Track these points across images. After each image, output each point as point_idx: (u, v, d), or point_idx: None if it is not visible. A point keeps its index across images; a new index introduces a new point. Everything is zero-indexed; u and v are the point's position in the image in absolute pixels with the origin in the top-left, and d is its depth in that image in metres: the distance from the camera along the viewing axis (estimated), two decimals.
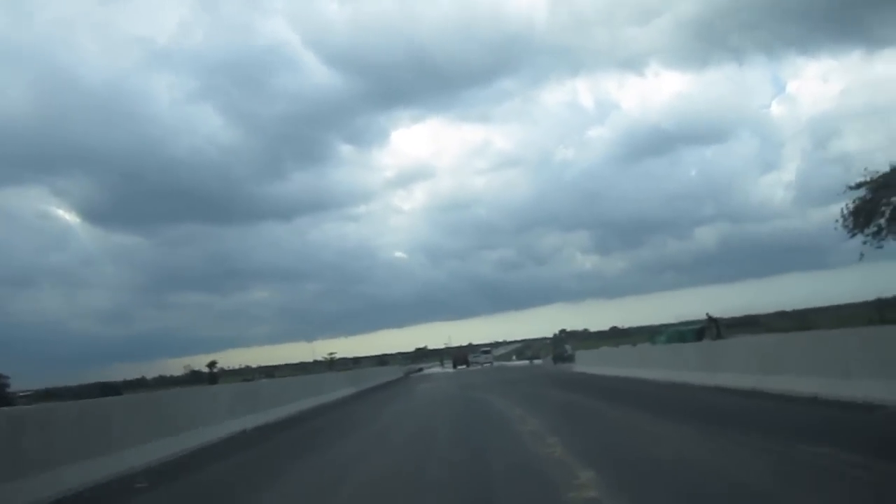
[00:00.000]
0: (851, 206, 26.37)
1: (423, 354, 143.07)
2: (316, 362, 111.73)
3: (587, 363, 32.81)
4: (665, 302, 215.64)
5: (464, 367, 68.39)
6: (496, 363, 73.68)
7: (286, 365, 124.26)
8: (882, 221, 25.59)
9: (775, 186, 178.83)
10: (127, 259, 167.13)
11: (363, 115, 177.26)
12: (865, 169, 26.18)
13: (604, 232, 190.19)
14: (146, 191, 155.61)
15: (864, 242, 26.15)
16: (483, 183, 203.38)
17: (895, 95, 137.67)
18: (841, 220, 26.69)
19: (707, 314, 36.86)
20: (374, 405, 22.24)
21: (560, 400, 17.47)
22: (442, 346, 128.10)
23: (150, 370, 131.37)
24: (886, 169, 25.76)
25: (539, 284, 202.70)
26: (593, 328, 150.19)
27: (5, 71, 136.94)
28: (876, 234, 25.89)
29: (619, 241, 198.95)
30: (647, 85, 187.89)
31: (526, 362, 67.32)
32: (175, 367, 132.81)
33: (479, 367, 68.24)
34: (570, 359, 53.40)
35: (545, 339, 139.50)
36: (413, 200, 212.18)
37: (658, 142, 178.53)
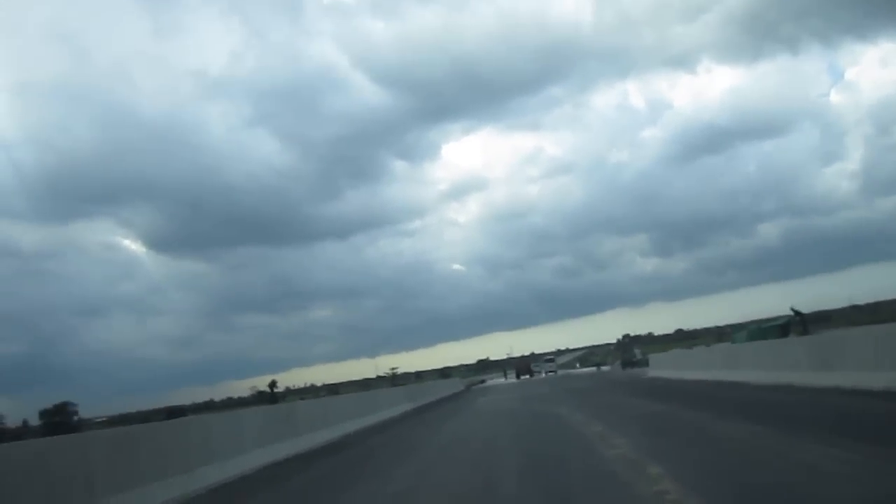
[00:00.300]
0: None
1: (485, 366, 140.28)
2: (379, 378, 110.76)
3: (663, 367, 29.48)
4: (730, 302, 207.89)
5: (527, 376, 65.27)
6: (560, 371, 70.40)
7: (350, 382, 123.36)
8: None
9: (839, 177, 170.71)
10: (191, 285, 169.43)
11: (414, 130, 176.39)
12: None
13: (662, 234, 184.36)
14: (207, 217, 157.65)
15: None
16: (537, 191, 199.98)
17: None
18: None
19: (792, 308, 33.09)
20: (429, 425, 19.55)
21: (645, 412, 14.45)
22: (504, 357, 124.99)
23: (218, 392, 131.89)
24: None
25: (599, 290, 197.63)
26: (658, 331, 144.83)
27: (69, 110, 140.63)
28: None
29: (678, 242, 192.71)
30: (699, 82, 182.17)
31: (592, 369, 63.84)
32: (242, 388, 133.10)
33: (543, 375, 65.14)
34: (640, 363, 49.83)
35: (609, 344, 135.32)
36: (467, 212, 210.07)
37: (714, 139, 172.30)
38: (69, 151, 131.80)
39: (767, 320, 39.28)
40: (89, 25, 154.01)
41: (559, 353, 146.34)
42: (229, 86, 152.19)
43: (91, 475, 8.00)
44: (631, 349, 55.92)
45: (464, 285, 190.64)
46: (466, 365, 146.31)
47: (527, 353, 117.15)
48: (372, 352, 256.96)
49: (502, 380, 69.64)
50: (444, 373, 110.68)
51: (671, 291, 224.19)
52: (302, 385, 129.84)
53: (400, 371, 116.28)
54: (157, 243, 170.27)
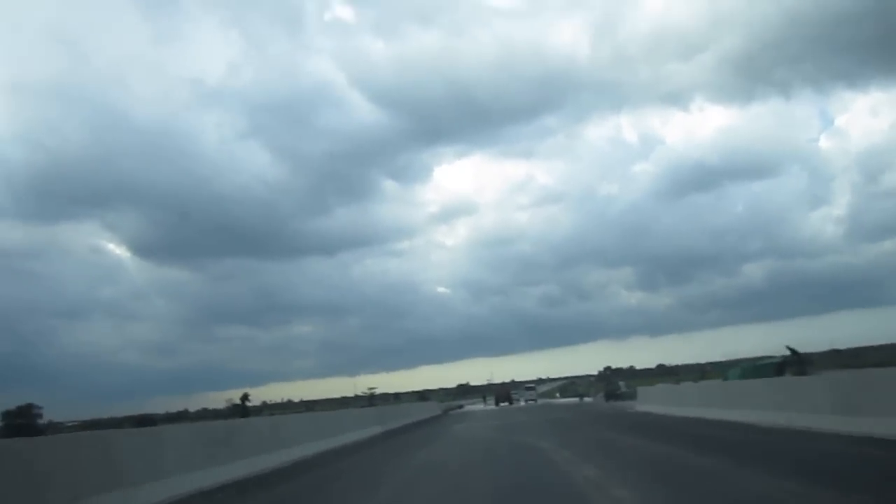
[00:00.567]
0: None
1: (465, 390, 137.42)
2: (357, 397, 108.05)
3: (652, 401, 27.16)
4: (712, 339, 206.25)
5: (506, 403, 62.70)
6: (540, 400, 67.88)
7: (328, 399, 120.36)
8: None
9: (825, 221, 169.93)
10: (173, 292, 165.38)
11: (407, 151, 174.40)
12: None
13: (648, 268, 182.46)
14: (194, 226, 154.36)
15: None
16: (526, 218, 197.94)
17: None
18: None
19: (788, 347, 31.02)
20: (396, 453, 17.09)
21: (644, 453, 12.13)
22: (484, 383, 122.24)
23: (194, 403, 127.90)
24: None
25: (582, 321, 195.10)
26: (639, 365, 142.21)
27: (61, 110, 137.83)
28: None
29: (664, 277, 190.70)
30: (691, 120, 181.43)
31: (573, 399, 61.32)
32: (218, 400, 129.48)
33: (522, 403, 62.66)
34: (625, 396, 47.49)
35: (589, 376, 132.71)
36: (456, 236, 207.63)
37: (703, 177, 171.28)
38: (59, 152, 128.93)
39: (759, 358, 37.17)
40: (87, 28, 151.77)
41: (539, 381, 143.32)
42: (225, 96, 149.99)
43: None
44: (615, 381, 53.55)
45: (448, 309, 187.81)
46: (446, 389, 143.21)
47: (507, 380, 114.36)
48: (352, 370, 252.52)
49: (481, 406, 66.95)
50: (423, 395, 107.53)
51: (654, 326, 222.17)
52: (279, 400, 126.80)
53: (378, 391, 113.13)
54: (142, 249, 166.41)
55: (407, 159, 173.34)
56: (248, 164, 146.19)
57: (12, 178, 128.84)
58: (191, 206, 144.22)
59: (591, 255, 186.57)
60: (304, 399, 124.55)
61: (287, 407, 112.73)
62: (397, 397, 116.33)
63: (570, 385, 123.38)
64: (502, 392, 68.97)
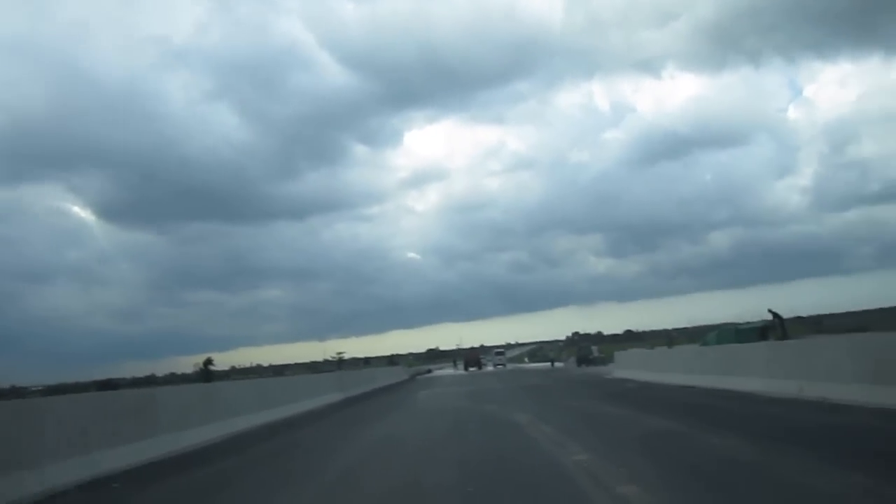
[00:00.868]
0: None
1: (435, 355, 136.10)
2: (326, 361, 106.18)
3: (630, 367, 25.23)
4: (679, 306, 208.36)
5: (475, 368, 60.88)
6: (510, 365, 66.33)
7: (297, 364, 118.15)
8: None
9: (791, 191, 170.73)
10: (140, 257, 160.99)
11: (377, 115, 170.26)
12: None
13: (617, 235, 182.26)
14: (160, 189, 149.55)
15: None
16: (497, 184, 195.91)
17: None
18: None
19: (770, 310, 29.18)
20: (345, 427, 14.81)
21: (644, 431, 9.96)
22: (454, 347, 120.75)
23: (163, 368, 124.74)
24: None
25: (552, 287, 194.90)
26: (607, 331, 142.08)
27: (23, 68, 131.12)
28: None
29: (632, 244, 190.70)
30: (663, 88, 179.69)
31: (543, 364, 59.71)
32: (186, 364, 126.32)
33: (492, 368, 61.01)
34: (597, 361, 45.88)
35: (558, 341, 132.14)
36: (426, 201, 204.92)
37: (673, 145, 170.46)
38: (21, 111, 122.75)
39: (737, 324, 35.53)
40: None
41: (508, 346, 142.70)
42: (192, 56, 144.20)
43: None
44: (588, 346, 51.81)
45: (418, 274, 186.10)
46: (416, 353, 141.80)
47: (476, 345, 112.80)
48: (322, 335, 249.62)
49: (451, 370, 65.11)
50: (393, 360, 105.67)
51: (622, 292, 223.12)
52: (248, 365, 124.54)
53: (348, 356, 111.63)
54: (107, 212, 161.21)
55: (377, 123, 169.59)
56: (216, 126, 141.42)
57: None
58: (157, 169, 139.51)
59: (560, 222, 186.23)
60: (274, 364, 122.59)
61: (255, 371, 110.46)
62: (367, 362, 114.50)
63: (539, 350, 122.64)
64: (471, 357, 66.90)
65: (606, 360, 47.10)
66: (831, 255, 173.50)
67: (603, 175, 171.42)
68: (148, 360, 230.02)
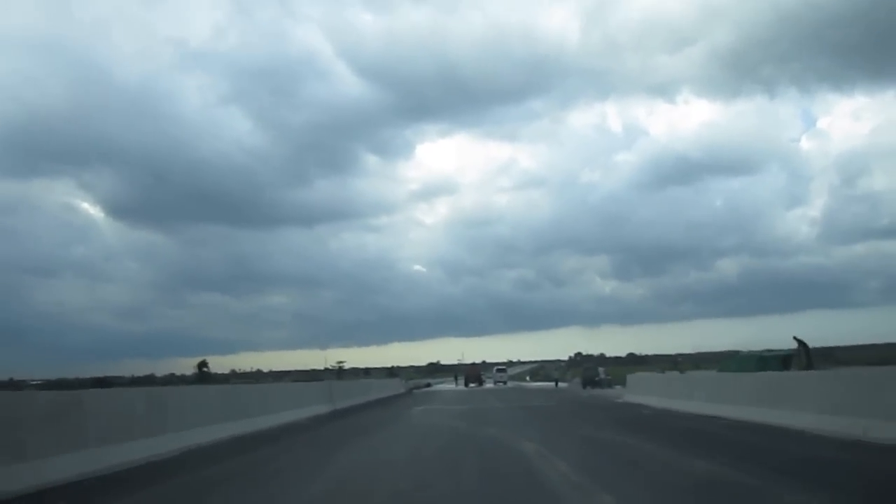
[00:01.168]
0: None
1: (435, 369, 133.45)
2: (326, 370, 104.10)
3: (645, 392, 22.78)
4: (683, 332, 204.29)
5: (476, 385, 58.20)
6: (510, 383, 63.73)
7: (297, 371, 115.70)
8: None
9: (800, 221, 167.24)
10: (147, 256, 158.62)
11: (391, 126, 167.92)
12: None
13: (624, 258, 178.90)
14: (171, 190, 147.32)
15: None
16: (506, 201, 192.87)
17: None
18: None
19: (795, 338, 26.70)
20: (319, 448, 12.47)
21: (691, 475, 7.60)
22: (455, 362, 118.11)
23: (163, 368, 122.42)
24: None
25: (556, 306, 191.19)
26: (609, 353, 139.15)
27: (42, 65, 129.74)
28: None
29: (639, 267, 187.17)
30: (676, 112, 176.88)
31: (545, 384, 57.07)
32: (187, 366, 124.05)
33: (492, 385, 58.44)
34: (603, 384, 43.32)
35: (559, 361, 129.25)
36: (435, 215, 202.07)
37: (685, 170, 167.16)
38: (36, 106, 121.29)
39: (758, 352, 33.01)
40: None
41: (510, 364, 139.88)
42: (209, 59, 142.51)
43: None
44: (595, 367, 49.12)
45: (423, 287, 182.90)
46: (416, 367, 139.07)
47: (478, 361, 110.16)
48: (324, 343, 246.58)
49: (452, 385, 62.35)
50: (393, 372, 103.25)
51: (626, 315, 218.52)
52: (249, 369, 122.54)
53: (349, 366, 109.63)
54: (117, 210, 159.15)
55: (390, 135, 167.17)
56: (229, 130, 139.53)
57: None
58: (168, 169, 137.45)
59: (568, 242, 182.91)
60: (274, 370, 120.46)
61: (255, 377, 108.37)
62: (367, 372, 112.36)
63: (541, 369, 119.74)
64: (472, 372, 63.96)
65: (613, 382, 44.61)
66: (838, 287, 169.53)
67: (613, 197, 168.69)
68: (149, 360, 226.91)
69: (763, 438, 11.25)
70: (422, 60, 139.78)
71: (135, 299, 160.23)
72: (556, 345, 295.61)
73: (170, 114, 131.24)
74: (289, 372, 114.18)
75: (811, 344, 28.14)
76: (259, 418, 15.30)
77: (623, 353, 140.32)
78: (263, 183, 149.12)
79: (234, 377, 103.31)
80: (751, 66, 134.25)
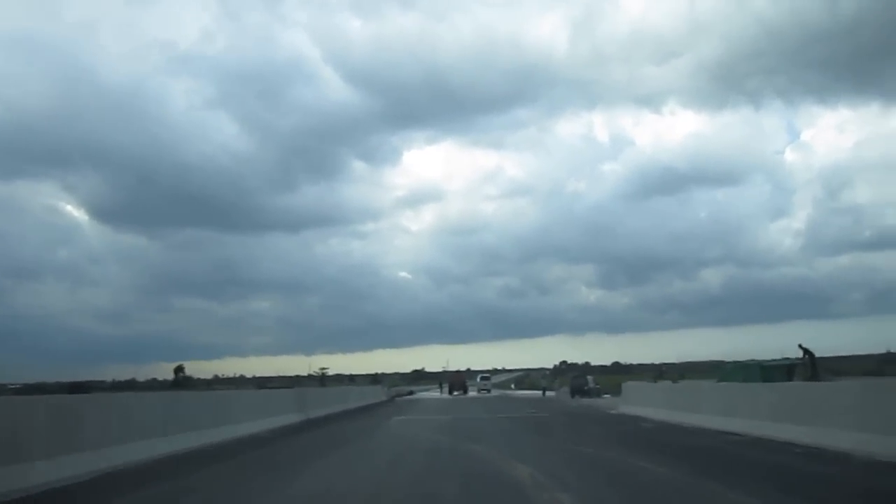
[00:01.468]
0: None
1: (420, 376, 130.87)
2: (310, 376, 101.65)
3: (642, 403, 20.77)
4: (667, 341, 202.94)
5: (461, 393, 55.92)
6: (495, 391, 61.56)
7: (281, 377, 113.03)
8: None
9: (784, 233, 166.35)
10: (131, 259, 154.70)
11: (378, 133, 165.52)
12: None
13: (610, 267, 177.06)
14: (156, 193, 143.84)
15: None
16: (492, 209, 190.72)
17: None
18: None
19: (801, 346, 24.90)
20: (270, 469, 10.32)
21: None
22: (440, 370, 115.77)
23: (146, 373, 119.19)
24: None
25: (541, 315, 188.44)
26: (595, 362, 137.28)
27: (28, 65, 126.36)
28: None
29: (624, 277, 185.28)
30: (662, 123, 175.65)
31: (531, 393, 54.97)
32: (169, 371, 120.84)
33: (475, 393, 56.25)
34: (592, 392, 41.33)
35: (545, 369, 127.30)
36: (421, 222, 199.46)
37: (670, 180, 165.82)
38: (20, 107, 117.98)
39: (756, 361, 31.23)
40: None
41: (495, 372, 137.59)
42: (196, 62, 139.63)
43: None
44: (584, 376, 47.04)
45: (408, 294, 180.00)
46: (401, 373, 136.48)
47: (463, 369, 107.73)
48: (308, 350, 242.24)
49: (437, 393, 59.95)
50: (377, 379, 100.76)
51: (611, 324, 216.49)
52: (232, 375, 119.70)
53: (333, 372, 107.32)
54: (101, 213, 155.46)
55: (377, 141, 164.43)
56: (216, 134, 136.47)
57: None
58: (153, 172, 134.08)
59: (554, 250, 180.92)
60: (258, 375, 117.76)
61: (238, 382, 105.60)
62: (351, 379, 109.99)
63: (526, 377, 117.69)
64: (456, 380, 61.18)
65: (601, 391, 42.62)
66: (821, 298, 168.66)
67: (598, 206, 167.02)
68: (132, 364, 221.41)
69: (806, 462, 9.25)
70: (410, 67, 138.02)
71: (118, 303, 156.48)
72: (542, 353, 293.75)
73: (156, 116, 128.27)
74: (272, 378, 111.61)
75: (792, 354, 26.42)
76: (211, 430, 13.15)
77: (608, 362, 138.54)
78: (250, 187, 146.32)
79: (217, 383, 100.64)
80: (737, 78, 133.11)
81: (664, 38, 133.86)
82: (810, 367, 24.57)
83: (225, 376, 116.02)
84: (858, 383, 13.70)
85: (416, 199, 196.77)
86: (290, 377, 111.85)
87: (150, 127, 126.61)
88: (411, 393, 59.48)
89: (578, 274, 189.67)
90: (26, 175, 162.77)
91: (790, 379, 24.05)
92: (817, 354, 26.37)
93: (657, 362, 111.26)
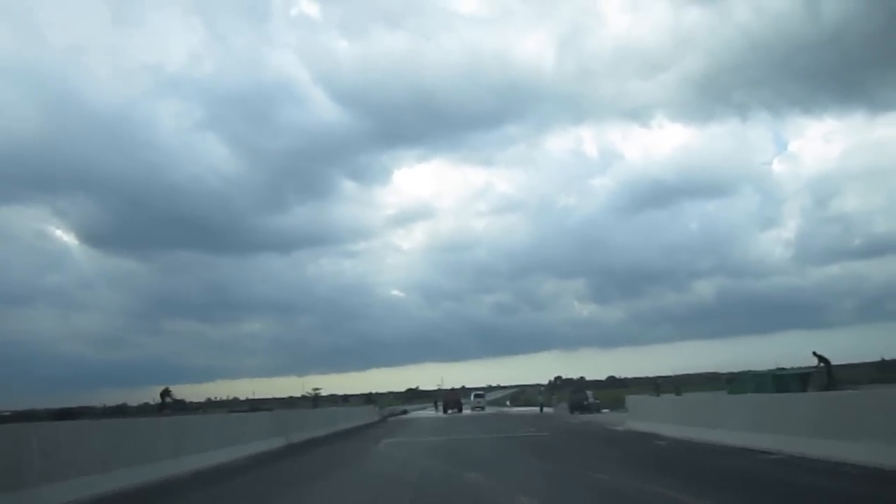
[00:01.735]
0: None
1: (415, 395, 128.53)
2: (303, 397, 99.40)
3: (650, 418, 18.94)
4: (662, 354, 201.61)
5: (455, 411, 53.83)
6: (489, 409, 59.53)
7: (274, 399, 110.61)
8: None
9: (774, 243, 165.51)
10: (121, 283, 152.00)
11: (367, 152, 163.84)
12: None
13: (602, 281, 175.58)
14: (146, 216, 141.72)
15: None
16: (483, 226, 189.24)
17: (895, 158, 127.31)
18: None
19: (815, 353, 23.23)
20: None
21: None
22: (434, 388, 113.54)
23: (138, 397, 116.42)
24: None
25: (535, 330, 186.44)
26: (589, 377, 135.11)
27: (13, 89, 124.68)
28: None
29: (616, 290, 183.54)
30: (651, 137, 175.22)
31: (528, 409, 52.97)
32: None
33: (469, 411, 54.21)
34: (592, 408, 39.46)
35: (539, 385, 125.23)
36: (412, 240, 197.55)
37: (660, 193, 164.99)
38: (9, 132, 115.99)
39: (768, 371, 29.50)
40: (44, 5, 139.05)
41: (489, 389, 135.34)
42: (184, 85, 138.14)
43: None
44: (583, 391, 45.14)
45: (401, 312, 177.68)
46: (396, 392, 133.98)
47: (458, 386, 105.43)
48: (302, 370, 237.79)
49: (431, 412, 57.76)
50: (371, 398, 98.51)
51: (605, 338, 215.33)
52: (225, 398, 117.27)
53: (327, 393, 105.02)
54: (91, 237, 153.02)
55: (367, 160, 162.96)
56: (205, 156, 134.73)
57: None
58: (143, 196, 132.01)
59: (545, 266, 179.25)
60: (251, 397, 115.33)
61: (233, 405, 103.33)
62: (345, 399, 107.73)
63: (521, 393, 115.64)
64: (451, 398, 58.93)
65: (599, 407, 40.79)
66: (813, 308, 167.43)
67: (589, 220, 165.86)
68: (124, 389, 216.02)
69: (874, 487, 7.46)
70: (398, 86, 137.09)
71: (110, 327, 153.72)
72: (536, 369, 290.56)
73: (145, 140, 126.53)
74: (265, 400, 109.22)
75: (788, 364, 24.99)
76: (166, 462, 11.26)
77: (603, 377, 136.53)
78: (240, 209, 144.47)
79: (210, 405, 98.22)
80: (723, 90, 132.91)
81: (650, 52, 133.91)
82: (826, 375, 22.88)
83: (218, 399, 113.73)
84: (812, 396, 11.94)
85: (406, 218, 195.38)
86: (284, 399, 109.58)
87: (139, 150, 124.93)
88: (405, 412, 57.32)
89: (571, 289, 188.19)
90: (15, 200, 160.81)
91: (805, 388, 22.34)
92: (810, 364, 24.98)
93: (652, 375, 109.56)
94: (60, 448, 8.81)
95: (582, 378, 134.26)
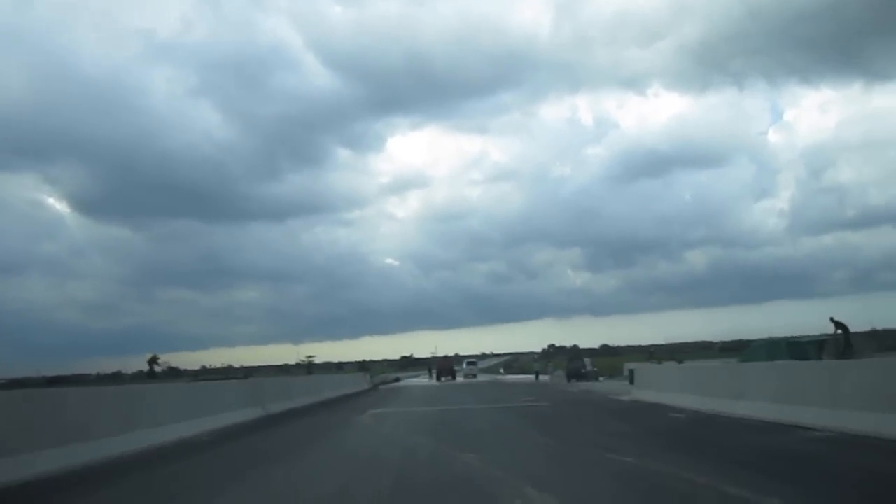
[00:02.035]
0: None
1: (408, 362, 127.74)
2: (298, 365, 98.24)
3: (659, 388, 17.26)
4: (655, 323, 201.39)
5: (449, 378, 52.40)
6: (482, 376, 58.32)
7: (269, 366, 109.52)
8: None
9: (768, 213, 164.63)
10: (114, 251, 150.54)
11: (361, 119, 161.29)
12: None
13: (596, 250, 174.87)
14: (138, 183, 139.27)
15: None
16: (477, 194, 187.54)
17: (892, 129, 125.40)
18: None
19: (833, 320, 21.47)
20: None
21: None
22: (428, 356, 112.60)
23: (131, 365, 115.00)
24: None
25: (528, 299, 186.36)
26: (583, 345, 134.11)
27: (4, 57, 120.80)
28: None
29: (610, 259, 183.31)
30: (647, 105, 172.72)
31: (524, 377, 51.57)
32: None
33: (462, 379, 52.92)
34: (589, 376, 37.96)
35: (532, 353, 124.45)
36: (407, 208, 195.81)
37: (655, 163, 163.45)
38: (0, 100, 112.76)
39: (781, 337, 27.75)
40: None
41: (483, 356, 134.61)
42: (176, 51, 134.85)
43: None
44: (580, 358, 43.58)
45: (395, 280, 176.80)
46: (389, 360, 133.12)
47: (451, 354, 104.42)
48: (296, 338, 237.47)
49: (425, 380, 56.37)
50: (364, 366, 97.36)
51: (598, 307, 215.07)
52: (219, 365, 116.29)
53: (321, 360, 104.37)
54: (84, 205, 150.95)
55: (361, 128, 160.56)
56: (198, 123, 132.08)
57: None
58: (136, 163, 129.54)
59: (540, 234, 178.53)
60: (245, 365, 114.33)
61: (228, 372, 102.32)
62: (339, 367, 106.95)
63: (515, 361, 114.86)
64: (444, 366, 57.39)
65: (597, 375, 39.34)
66: (806, 278, 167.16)
67: (583, 189, 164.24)
68: (119, 357, 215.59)
69: None
70: (392, 52, 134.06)
71: (104, 296, 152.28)
72: (530, 337, 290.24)
73: (137, 106, 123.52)
74: (260, 367, 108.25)
75: (779, 333, 23.50)
76: (109, 440, 9.44)
77: (596, 345, 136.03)
78: (233, 176, 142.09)
79: (204, 373, 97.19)
80: (720, 59, 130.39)
81: (647, 20, 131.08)
82: (843, 342, 21.20)
83: (213, 366, 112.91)
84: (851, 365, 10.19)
85: (401, 186, 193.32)
86: (278, 366, 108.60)
87: (131, 117, 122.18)
88: (397, 380, 55.85)
89: (564, 257, 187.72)
90: (7, 168, 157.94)
91: (821, 356, 20.71)
92: (801, 333, 23.55)
93: (645, 344, 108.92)
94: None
95: (575, 346, 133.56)
